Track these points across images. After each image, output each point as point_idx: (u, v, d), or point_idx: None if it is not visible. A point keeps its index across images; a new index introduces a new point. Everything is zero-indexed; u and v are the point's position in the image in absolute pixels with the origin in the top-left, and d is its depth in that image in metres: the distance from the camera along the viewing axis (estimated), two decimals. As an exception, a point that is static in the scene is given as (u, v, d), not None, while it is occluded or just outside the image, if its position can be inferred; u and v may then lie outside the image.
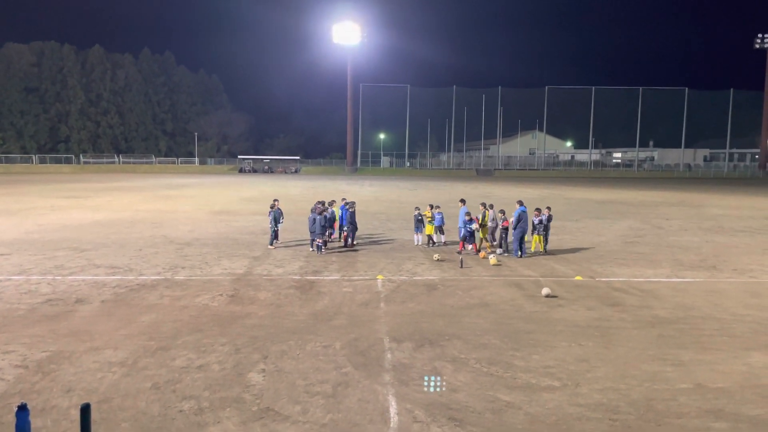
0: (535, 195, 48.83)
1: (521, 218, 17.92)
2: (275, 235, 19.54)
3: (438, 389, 7.36)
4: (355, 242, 19.73)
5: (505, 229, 18.66)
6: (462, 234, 18.37)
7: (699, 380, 8.29)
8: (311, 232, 18.47)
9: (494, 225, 19.04)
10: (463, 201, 20.47)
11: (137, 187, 55.31)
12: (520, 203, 18.59)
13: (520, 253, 17.97)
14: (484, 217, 18.88)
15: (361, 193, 48.36)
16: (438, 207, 20.11)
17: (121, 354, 9.01)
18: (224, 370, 8.43)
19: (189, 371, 8.36)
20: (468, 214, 18.27)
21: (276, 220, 19.41)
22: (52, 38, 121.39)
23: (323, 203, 20.12)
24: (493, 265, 16.57)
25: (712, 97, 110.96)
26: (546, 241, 18.87)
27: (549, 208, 19.46)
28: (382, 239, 21.22)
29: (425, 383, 7.45)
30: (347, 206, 20.10)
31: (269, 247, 19.29)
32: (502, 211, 19.28)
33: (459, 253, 17.89)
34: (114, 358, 8.86)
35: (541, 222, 18.80)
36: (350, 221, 19.52)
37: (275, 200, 20.50)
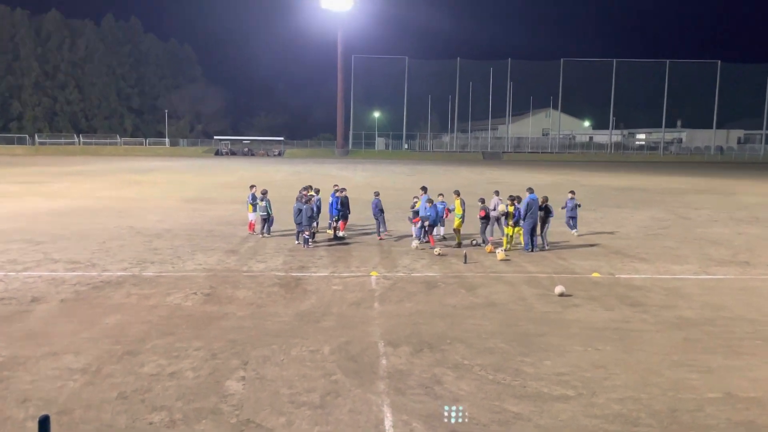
0: (548, 181, 48.91)
1: (531, 207, 17.96)
2: (271, 222, 20.19)
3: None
4: (381, 236, 20.01)
5: (485, 219, 18.71)
6: (420, 226, 18.53)
7: (729, 389, 8.38)
8: (297, 224, 18.50)
9: (496, 215, 18.98)
10: (424, 189, 20.54)
11: (100, 171, 55.08)
12: (530, 191, 18.63)
13: (531, 246, 18.05)
14: (464, 206, 18.88)
15: (354, 179, 48.35)
16: (441, 195, 20.12)
17: (83, 359, 9.03)
18: (199, 377, 8.46)
19: (160, 379, 8.39)
20: (431, 201, 18.41)
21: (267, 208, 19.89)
22: (1, 1, 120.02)
23: (308, 189, 20.15)
24: (501, 260, 16.64)
25: (748, 71, 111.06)
26: (565, 228, 20.20)
27: (573, 192, 20.14)
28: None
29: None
30: (337, 193, 20.15)
31: (265, 235, 19.87)
32: (482, 200, 19.36)
33: (432, 247, 17.94)
34: (75, 364, 8.88)
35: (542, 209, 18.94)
36: (380, 209, 20.00)
37: (254, 186, 20.77)
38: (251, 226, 20.54)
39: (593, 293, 13.41)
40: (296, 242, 18.71)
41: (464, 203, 19.12)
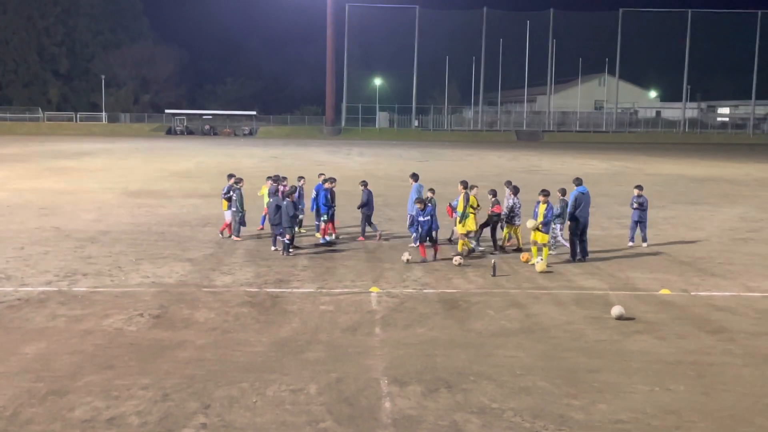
0: (602, 169, 48.87)
1: (579, 203, 17.94)
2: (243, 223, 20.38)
3: None
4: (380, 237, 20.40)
5: (497, 217, 18.81)
6: (416, 229, 18.25)
7: (840, 441, 8.36)
8: (273, 225, 18.53)
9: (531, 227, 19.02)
10: (415, 177, 20.67)
11: (16, 154, 55.10)
12: (579, 182, 18.61)
13: (579, 254, 18.07)
14: (467, 202, 18.66)
15: (348, 166, 48.36)
16: (475, 187, 20.10)
17: (-6, 401, 9.04)
18: (146, 424, 8.47)
19: (95, 426, 8.40)
20: (422, 201, 18.07)
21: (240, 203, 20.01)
22: None
23: (278, 178, 20.24)
24: (541, 272, 16.62)
25: None
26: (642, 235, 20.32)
27: (640, 188, 20.37)
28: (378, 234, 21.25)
29: None
30: (325, 184, 20.19)
31: (236, 238, 20.09)
32: (493, 192, 19.30)
33: (423, 260, 17.74)
34: (-16, 406, 8.89)
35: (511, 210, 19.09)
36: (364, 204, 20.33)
37: (233, 175, 20.86)
38: (225, 226, 20.50)
39: (662, 316, 13.37)
40: (272, 248, 18.71)
41: (469, 199, 18.98)
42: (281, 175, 21.70)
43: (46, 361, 10.49)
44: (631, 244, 20.29)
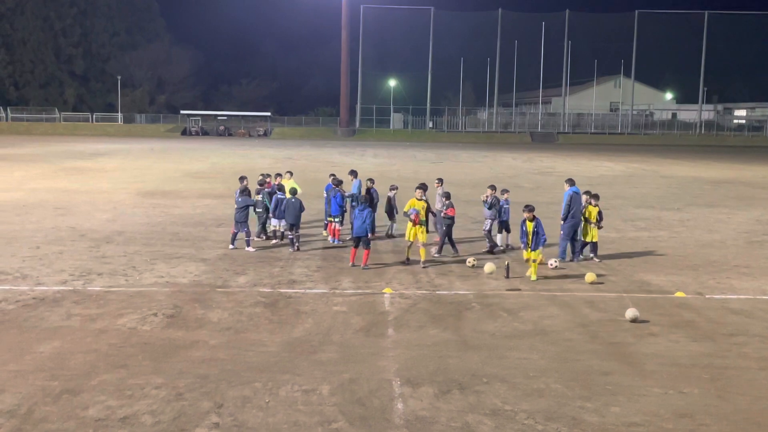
0: (617, 171, 48.67)
1: (573, 204, 17.83)
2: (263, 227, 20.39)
3: None
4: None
5: (450, 220, 18.38)
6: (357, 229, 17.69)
7: None
8: (239, 222, 18.71)
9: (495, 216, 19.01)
10: (353, 173, 20.80)
11: (33, 154, 55.47)
12: (571, 183, 18.46)
13: (572, 255, 18.24)
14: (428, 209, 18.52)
15: (362, 167, 48.26)
16: (507, 191, 19.93)
17: (9, 399, 9.10)
18: (159, 423, 8.50)
19: (108, 425, 8.44)
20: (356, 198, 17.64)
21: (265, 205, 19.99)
22: None
23: (264, 177, 20.58)
24: (591, 283, 15.75)
25: None
26: (577, 252, 18.37)
27: (589, 195, 18.55)
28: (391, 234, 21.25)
29: None
30: (336, 186, 20.26)
31: (256, 238, 20.06)
32: (447, 195, 18.90)
33: (353, 265, 17.06)
34: (0, 404, 8.96)
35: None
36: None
37: (245, 177, 20.74)
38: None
39: (676, 319, 13.31)
40: (230, 246, 18.97)
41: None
42: (268, 173, 21.74)
43: (60, 359, 10.56)
44: (554, 262, 17.35)
